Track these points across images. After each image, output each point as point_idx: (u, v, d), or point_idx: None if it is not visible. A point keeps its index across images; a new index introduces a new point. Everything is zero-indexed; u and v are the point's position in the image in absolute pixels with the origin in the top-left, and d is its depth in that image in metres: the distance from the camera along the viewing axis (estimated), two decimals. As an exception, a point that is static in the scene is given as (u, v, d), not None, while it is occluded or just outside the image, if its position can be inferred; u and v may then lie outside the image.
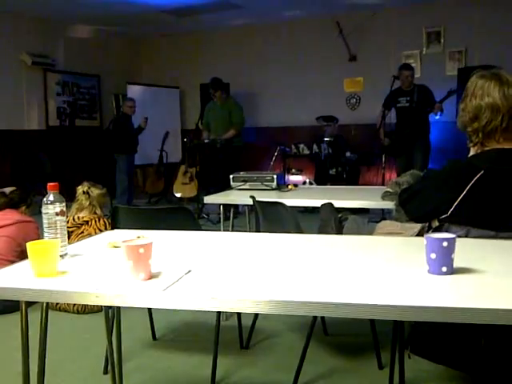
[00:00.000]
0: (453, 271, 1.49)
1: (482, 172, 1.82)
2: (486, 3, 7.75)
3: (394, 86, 6.76)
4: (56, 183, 1.78)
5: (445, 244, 1.46)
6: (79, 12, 8.38)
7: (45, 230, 1.77)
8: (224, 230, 3.86)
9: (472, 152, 1.98)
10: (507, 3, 7.60)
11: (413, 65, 7.64)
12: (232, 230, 3.90)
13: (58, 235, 1.76)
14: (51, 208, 1.75)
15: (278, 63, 9.32)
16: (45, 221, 1.76)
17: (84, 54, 9.46)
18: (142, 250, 1.45)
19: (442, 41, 8.13)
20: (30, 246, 1.53)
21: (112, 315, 2.62)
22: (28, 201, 4.10)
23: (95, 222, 3.76)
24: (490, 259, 1.68)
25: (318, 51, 8.98)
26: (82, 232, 3.69)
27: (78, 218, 3.76)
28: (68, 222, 3.71)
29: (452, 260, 1.49)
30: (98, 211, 3.89)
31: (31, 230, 3.88)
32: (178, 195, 8.52)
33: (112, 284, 1.47)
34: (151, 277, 1.49)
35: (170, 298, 1.38)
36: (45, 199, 1.75)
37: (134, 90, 9.35)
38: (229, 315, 3.39)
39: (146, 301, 1.41)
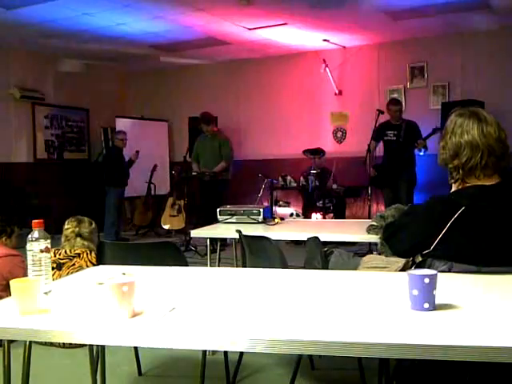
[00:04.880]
0: (435, 307, 1.50)
1: (463, 208, 1.85)
2: (467, 40, 7.93)
3: (380, 120, 6.88)
4: (41, 220, 1.78)
5: (426, 280, 1.48)
6: (69, 47, 8.45)
7: (29, 266, 1.77)
8: (211, 263, 3.86)
9: (453, 188, 2.02)
10: (487, 40, 7.79)
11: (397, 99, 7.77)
12: (219, 264, 3.90)
13: (43, 272, 1.76)
14: (36, 245, 1.75)
15: (265, 97, 9.42)
16: (29, 258, 1.76)
17: (73, 88, 9.50)
18: (125, 288, 1.45)
19: (426, 75, 8.28)
20: (13, 284, 1.53)
21: (96, 352, 2.59)
22: (8, 230, 4.05)
23: (87, 254, 3.76)
24: (471, 295, 1.70)
25: (305, 85, 9.09)
26: (74, 264, 3.70)
27: (70, 250, 3.77)
28: (60, 254, 3.73)
29: (434, 296, 1.50)
30: (91, 245, 3.88)
31: (17, 264, 3.84)
32: (166, 227, 8.51)
33: (95, 322, 1.47)
34: (135, 314, 1.49)
35: (153, 336, 1.38)
36: (29, 236, 1.75)
37: (122, 124, 9.38)
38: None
39: (130, 339, 1.41)
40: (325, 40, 8.28)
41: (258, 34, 7.87)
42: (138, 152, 8.07)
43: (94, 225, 3.93)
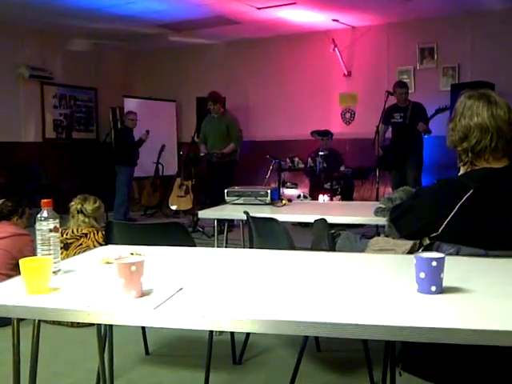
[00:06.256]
0: (442, 290, 1.50)
1: (472, 191, 1.84)
2: (478, 21, 7.83)
3: (389, 102, 6.87)
4: (50, 200, 1.78)
5: (434, 264, 1.48)
6: (77, 26, 8.43)
7: (38, 246, 1.77)
8: (218, 245, 3.87)
9: (462, 171, 2.00)
10: (498, 21, 7.68)
11: (406, 80, 7.75)
12: (226, 245, 3.92)
13: (52, 251, 1.77)
14: (45, 224, 1.76)
15: (273, 77, 9.38)
16: (38, 237, 1.76)
17: (81, 68, 9.50)
18: (133, 268, 1.46)
19: (436, 57, 8.20)
20: (23, 263, 1.54)
21: (104, 331, 2.62)
22: (19, 211, 4.09)
23: (93, 234, 3.78)
24: (479, 278, 1.69)
25: (314, 66, 9.04)
26: (81, 244, 3.73)
27: (77, 230, 3.79)
28: (67, 234, 3.76)
29: (441, 279, 1.50)
30: (96, 224, 3.91)
31: (26, 243, 3.88)
32: (174, 208, 8.53)
33: (103, 302, 1.48)
34: (142, 294, 1.50)
35: (160, 316, 1.39)
36: (38, 215, 1.76)
37: (130, 103, 9.37)
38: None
39: (137, 319, 1.41)
40: (334, 20, 8.21)
41: (267, 14, 7.80)
42: (148, 131, 8.09)
43: (98, 203, 3.94)
